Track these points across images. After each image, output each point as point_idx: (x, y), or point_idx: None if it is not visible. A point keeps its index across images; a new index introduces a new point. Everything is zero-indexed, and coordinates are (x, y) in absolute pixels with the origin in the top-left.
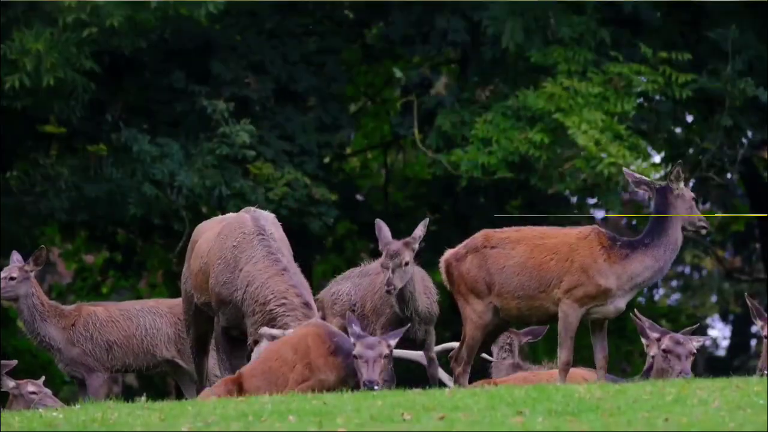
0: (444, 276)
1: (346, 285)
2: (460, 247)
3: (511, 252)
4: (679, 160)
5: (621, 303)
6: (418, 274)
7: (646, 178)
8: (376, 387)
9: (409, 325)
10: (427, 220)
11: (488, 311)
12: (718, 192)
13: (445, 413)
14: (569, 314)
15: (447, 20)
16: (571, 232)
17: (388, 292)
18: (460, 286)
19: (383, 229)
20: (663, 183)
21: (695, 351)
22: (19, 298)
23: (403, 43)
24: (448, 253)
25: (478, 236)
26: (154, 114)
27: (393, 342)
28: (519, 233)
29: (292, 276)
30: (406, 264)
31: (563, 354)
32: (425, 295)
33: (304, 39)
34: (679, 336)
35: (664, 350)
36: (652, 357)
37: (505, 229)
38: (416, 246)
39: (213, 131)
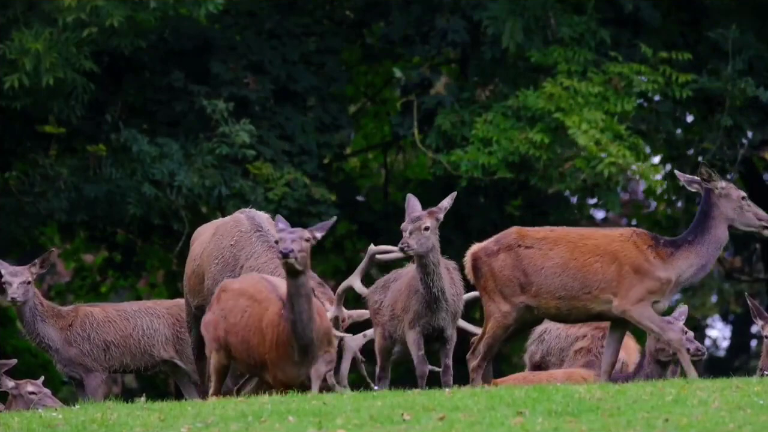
0: (469, 269)
1: (388, 295)
2: (490, 243)
3: (550, 252)
4: (703, 161)
5: (666, 303)
6: (445, 263)
7: (698, 177)
8: (290, 255)
9: None
10: (455, 193)
11: (514, 311)
12: None
13: (445, 413)
14: (643, 312)
15: (447, 20)
16: (612, 234)
17: (401, 250)
18: (488, 283)
19: (411, 201)
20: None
21: (686, 329)
22: (27, 301)
23: (403, 43)
24: (477, 246)
25: (511, 233)
26: (154, 114)
27: (319, 234)
28: (555, 233)
29: None
30: (426, 229)
31: (670, 335)
32: (451, 286)
33: (303, 39)
34: (668, 317)
35: None
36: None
37: (538, 228)
38: (440, 216)
39: (212, 131)
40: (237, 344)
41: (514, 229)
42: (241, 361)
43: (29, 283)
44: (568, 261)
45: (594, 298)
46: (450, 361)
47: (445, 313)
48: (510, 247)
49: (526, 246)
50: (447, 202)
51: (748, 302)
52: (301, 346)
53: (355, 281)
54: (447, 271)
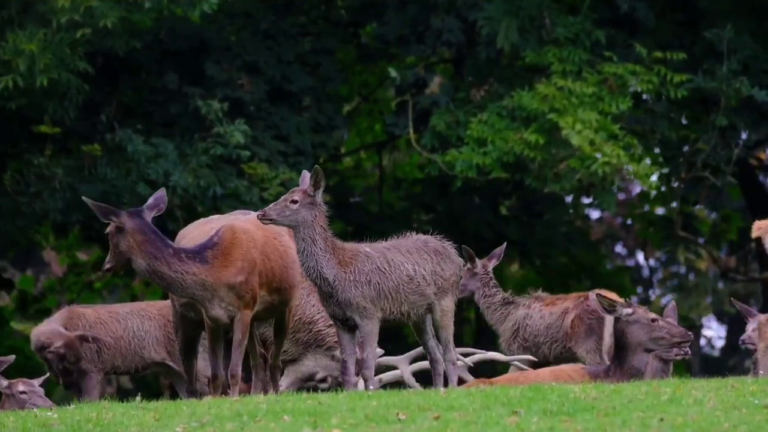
0: None
1: None
2: None
3: None
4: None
5: None
6: (355, 249)
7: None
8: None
9: None
10: (318, 167)
11: None
12: (709, 193)
13: (440, 413)
14: None
15: (442, 20)
16: None
17: (258, 217)
18: None
19: (304, 178)
20: None
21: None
22: None
23: (398, 43)
24: None
25: None
26: (149, 114)
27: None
28: None
29: None
30: (293, 202)
31: None
32: (345, 271)
33: (298, 39)
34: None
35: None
36: None
37: None
38: (313, 193)
39: (207, 131)
40: None
41: None
42: None
43: None
44: None
45: None
46: (364, 354)
47: (335, 298)
48: None
49: None
50: (310, 180)
51: (736, 305)
52: None
53: None
54: (336, 254)
